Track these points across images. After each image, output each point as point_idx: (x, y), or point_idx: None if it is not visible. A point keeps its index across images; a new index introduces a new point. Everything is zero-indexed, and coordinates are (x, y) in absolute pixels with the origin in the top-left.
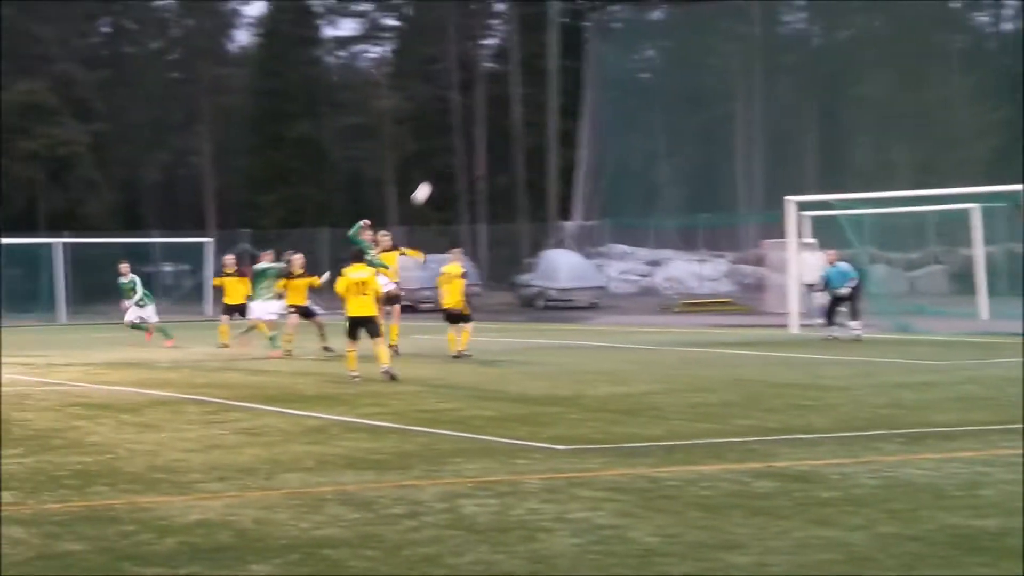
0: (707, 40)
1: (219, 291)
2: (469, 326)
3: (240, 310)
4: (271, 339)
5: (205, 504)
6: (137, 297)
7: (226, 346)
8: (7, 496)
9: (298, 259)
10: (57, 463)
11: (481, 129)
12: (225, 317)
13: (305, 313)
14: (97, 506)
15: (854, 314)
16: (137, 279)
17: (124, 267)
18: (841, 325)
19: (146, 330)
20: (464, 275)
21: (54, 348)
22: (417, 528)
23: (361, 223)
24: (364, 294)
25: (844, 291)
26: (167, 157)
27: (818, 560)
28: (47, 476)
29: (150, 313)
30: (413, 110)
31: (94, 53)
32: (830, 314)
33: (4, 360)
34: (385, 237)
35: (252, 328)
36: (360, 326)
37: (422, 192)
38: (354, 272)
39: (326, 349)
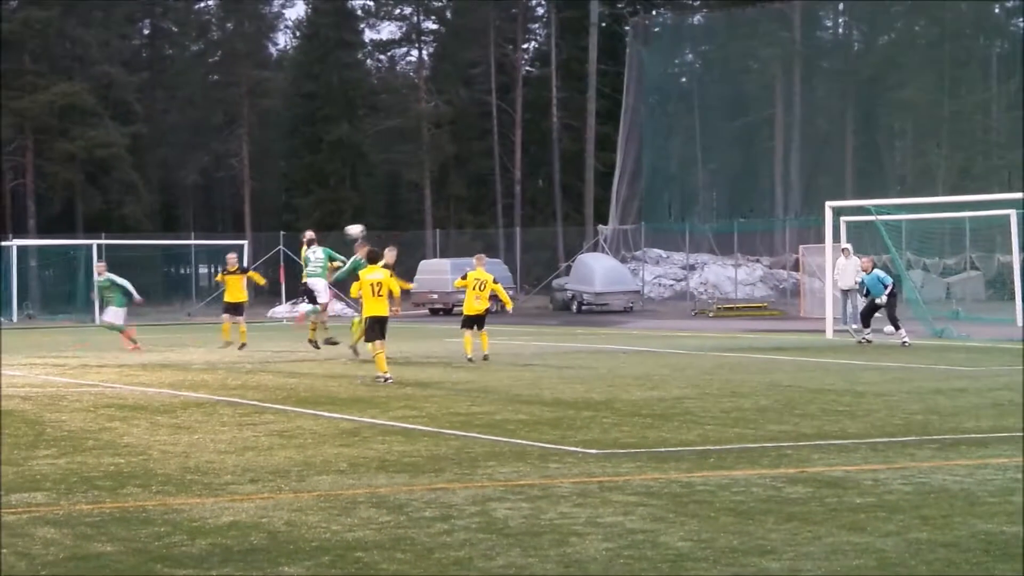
0: (747, 44)
1: (222, 290)
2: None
3: (240, 308)
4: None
5: (237, 506)
6: (108, 296)
7: (229, 343)
8: (40, 497)
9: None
10: (90, 464)
11: (519, 133)
12: (226, 316)
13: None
14: (130, 507)
15: (894, 321)
16: (114, 278)
17: (99, 266)
18: (876, 330)
19: (120, 330)
20: (495, 281)
21: (89, 349)
22: (449, 531)
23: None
24: (380, 295)
25: (881, 296)
26: (206, 160)
27: (850, 566)
28: (80, 477)
29: (115, 316)
30: (452, 114)
31: (134, 55)
32: (869, 319)
33: (38, 361)
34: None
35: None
36: (379, 325)
37: (354, 229)
38: (370, 273)
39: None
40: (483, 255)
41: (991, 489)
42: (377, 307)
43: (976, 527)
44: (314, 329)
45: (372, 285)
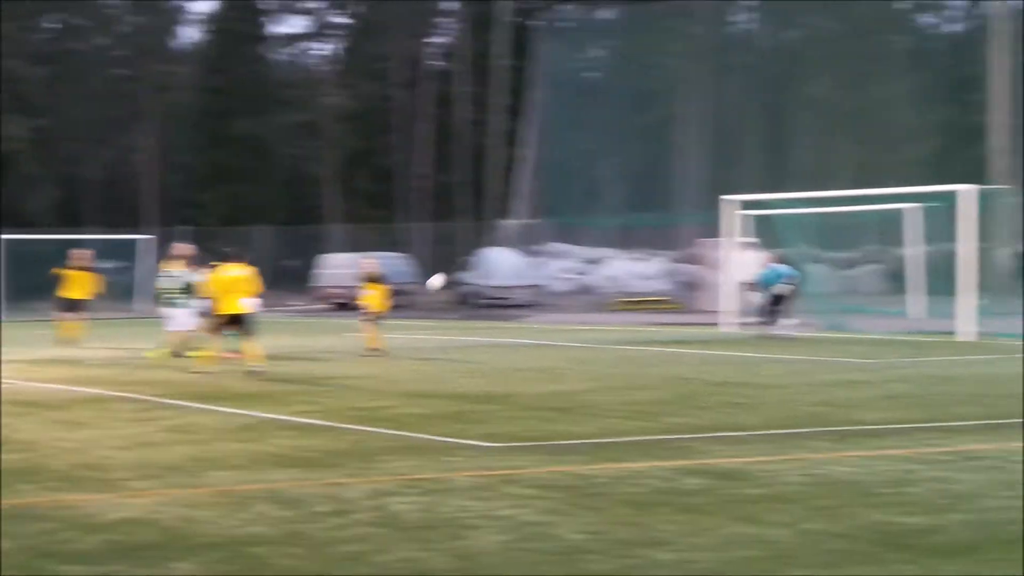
0: (654, 40)
1: (63, 285)
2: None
3: (80, 305)
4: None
5: (131, 502)
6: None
7: (69, 341)
8: None
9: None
10: None
11: (425, 127)
12: (64, 313)
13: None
14: (20, 504)
15: (787, 313)
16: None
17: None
18: (776, 324)
19: None
20: (383, 277)
21: None
22: (344, 526)
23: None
24: (237, 292)
25: (781, 289)
26: (110, 154)
27: (742, 557)
28: None
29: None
30: (358, 108)
31: (39, 49)
32: (768, 312)
33: None
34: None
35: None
36: (232, 323)
37: (437, 280)
38: (227, 271)
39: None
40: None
41: (884, 480)
42: (232, 305)
43: (869, 518)
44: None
45: (229, 282)
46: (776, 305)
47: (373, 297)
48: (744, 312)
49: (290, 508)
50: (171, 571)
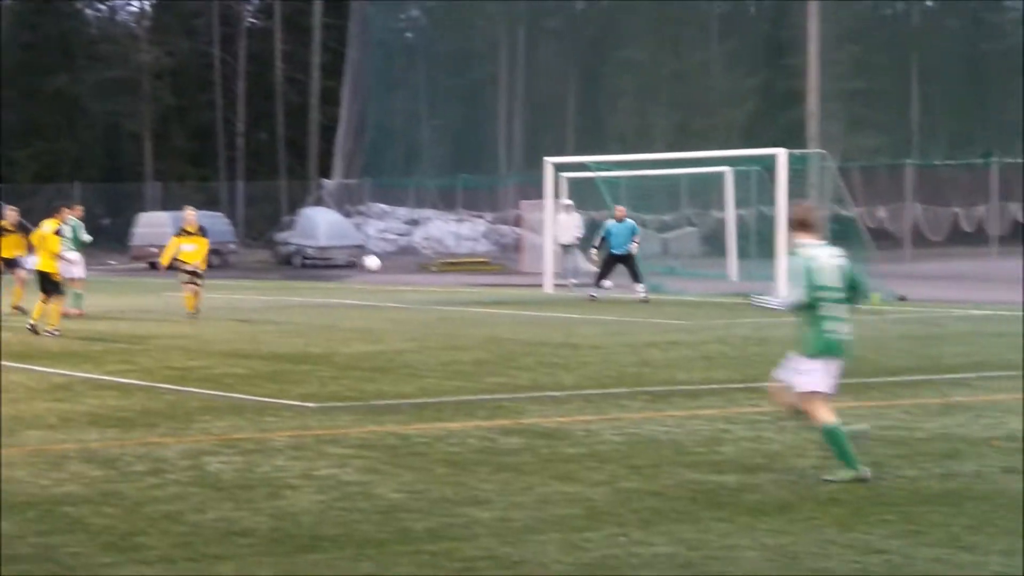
0: (472, 2)
1: None
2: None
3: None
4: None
5: None
6: None
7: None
8: None
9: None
10: None
11: (242, 85)
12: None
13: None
14: None
15: (636, 276)
16: None
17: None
18: (602, 287)
19: None
20: (203, 233)
21: None
22: (160, 485)
23: None
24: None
25: (627, 250)
26: None
27: (560, 515)
28: None
29: None
30: (173, 64)
31: None
32: (604, 274)
33: None
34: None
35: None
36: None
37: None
38: (47, 225)
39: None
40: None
41: (699, 439)
42: (46, 263)
43: (683, 476)
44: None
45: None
46: (615, 266)
47: (194, 252)
48: (565, 274)
49: (105, 468)
50: None
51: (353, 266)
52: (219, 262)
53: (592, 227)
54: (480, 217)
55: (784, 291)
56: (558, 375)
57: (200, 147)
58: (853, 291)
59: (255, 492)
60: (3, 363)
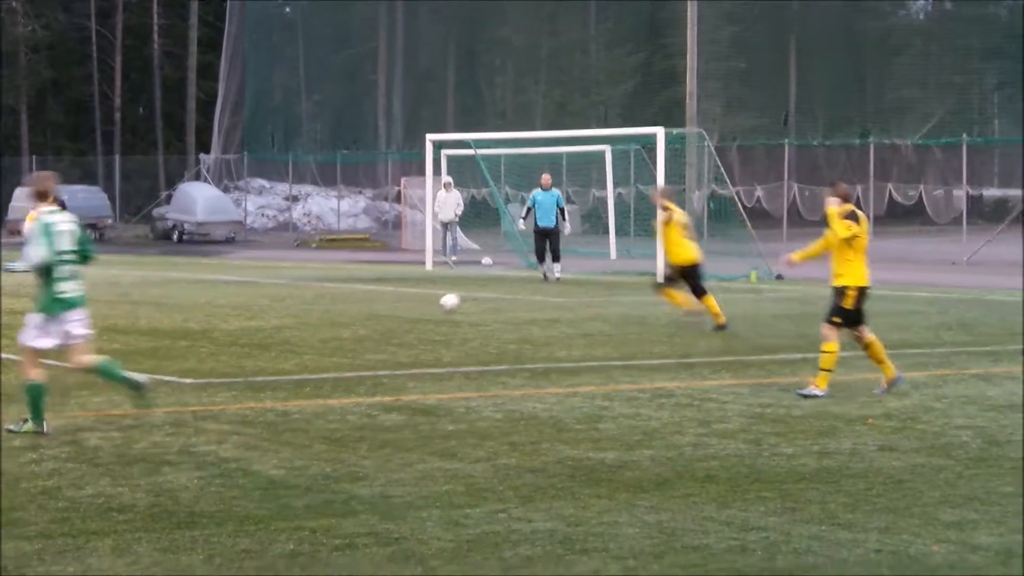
0: None
1: None
2: None
3: None
4: None
5: None
6: None
7: None
8: None
9: None
10: None
11: (119, 59)
12: None
13: None
14: None
15: (556, 255)
16: None
17: None
18: (547, 270)
19: None
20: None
21: None
22: (37, 461)
23: None
24: None
25: (554, 223)
26: None
27: (440, 491)
28: None
29: None
30: (49, 38)
31: None
32: (542, 252)
33: None
34: None
35: None
36: None
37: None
38: None
39: None
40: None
41: (578, 416)
42: None
43: (563, 453)
44: None
45: None
46: (549, 240)
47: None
48: (444, 250)
49: None
50: None
51: (232, 241)
52: (96, 236)
53: (474, 203)
54: (360, 193)
55: (29, 254)
56: (438, 352)
57: (77, 121)
58: (83, 253)
59: (133, 468)
60: None
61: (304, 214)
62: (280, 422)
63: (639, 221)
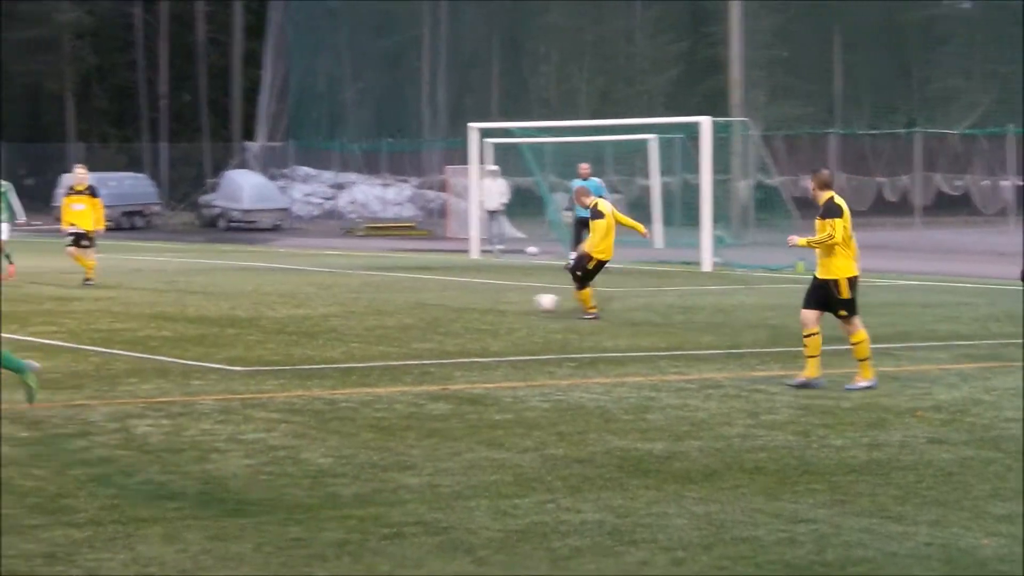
0: None
1: None
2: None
3: None
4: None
5: None
6: None
7: None
8: None
9: None
10: None
11: (165, 46)
12: None
13: None
14: None
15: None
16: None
17: None
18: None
19: None
20: (94, 192)
21: None
22: (88, 448)
23: None
24: None
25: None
26: None
27: (488, 481)
28: None
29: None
30: (94, 24)
31: None
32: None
33: None
34: None
35: None
36: None
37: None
38: None
39: None
40: None
41: (626, 407)
42: None
43: (611, 443)
44: None
45: None
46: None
47: (83, 213)
48: (490, 239)
49: (32, 429)
50: None
51: (278, 229)
52: (143, 224)
53: (518, 192)
54: (405, 181)
55: None
56: (485, 341)
57: (122, 108)
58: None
59: (182, 456)
60: None
61: (350, 202)
62: (328, 410)
63: (684, 210)
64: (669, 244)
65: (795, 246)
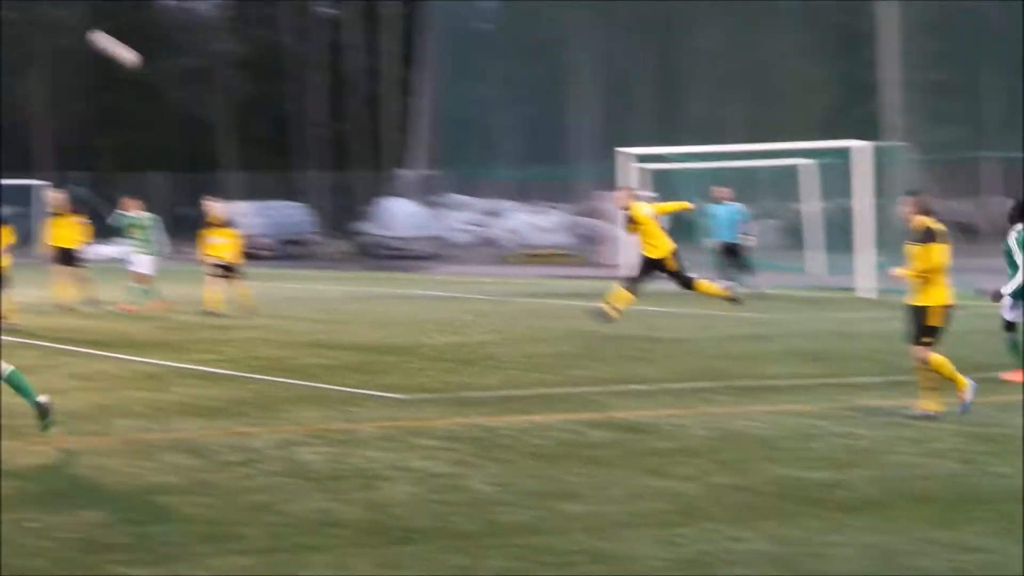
0: None
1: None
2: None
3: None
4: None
5: (38, 449)
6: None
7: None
8: None
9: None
10: None
11: (319, 75)
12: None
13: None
14: None
15: (741, 269)
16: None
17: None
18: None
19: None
20: (230, 225)
21: None
22: (252, 475)
23: None
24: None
25: (736, 238)
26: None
27: (651, 509)
28: None
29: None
30: (250, 54)
31: None
32: (723, 268)
33: None
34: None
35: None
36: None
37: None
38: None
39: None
40: None
41: (788, 434)
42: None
43: (773, 472)
44: None
45: None
46: (733, 256)
47: (221, 246)
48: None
49: (196, 457)
50: (82, 519)
51: (433, 257)
52: (301, 252)
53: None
54: (558, 208)
55: None
56: (641, 368)
57: (278, 137)
58: None
59: (347, 483)
60: (91, 352)
61: (505, 230)
62: (488, 438)
63: (842, 236)
64: (826, 270)
65: (897, 277)
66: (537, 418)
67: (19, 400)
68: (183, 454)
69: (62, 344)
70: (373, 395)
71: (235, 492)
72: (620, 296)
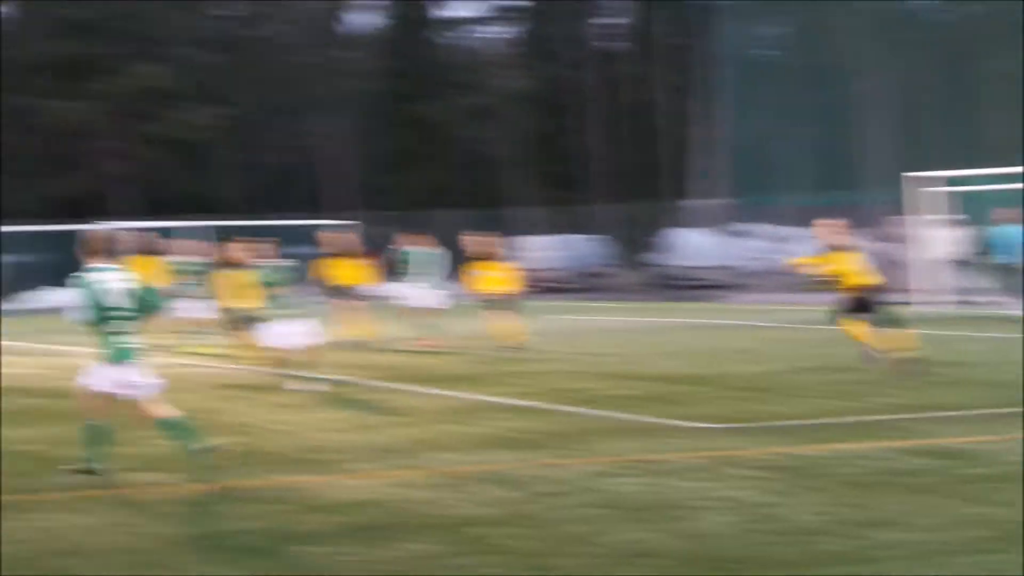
0: (829, 14)
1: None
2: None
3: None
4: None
5: (353, 483)
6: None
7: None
8: (153, 476)
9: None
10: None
11: (599, 108)
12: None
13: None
14: (241, 486)
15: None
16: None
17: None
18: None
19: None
20: (500, 258)
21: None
22: (566, 507)
23: None
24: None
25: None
26: (289, 140)
27: (972, 537)
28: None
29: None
30: (535, 90)
31: (214, 37)
32: (1007, 289)
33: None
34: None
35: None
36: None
37: None
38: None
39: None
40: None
41: None
42: None
43: None
44: None
45: None
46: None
47: (495, 279)
48: (958, 291)
49: (510, 489)
50: (403, 552)
51: (727, 287)
52: (598, 284)
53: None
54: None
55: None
56: (945, 393)
57: (561, 170)
58: (143, 309)
59: (662, 513)
60: (398, 386)
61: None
62: (802, 466)
63: None
64: None
65: None
66: (849, 445)
67: (320, 433)
68: (496, 486)
69: (372, 380)
70: (681, 425)
71: (550, 523)
72: (863, 332)
